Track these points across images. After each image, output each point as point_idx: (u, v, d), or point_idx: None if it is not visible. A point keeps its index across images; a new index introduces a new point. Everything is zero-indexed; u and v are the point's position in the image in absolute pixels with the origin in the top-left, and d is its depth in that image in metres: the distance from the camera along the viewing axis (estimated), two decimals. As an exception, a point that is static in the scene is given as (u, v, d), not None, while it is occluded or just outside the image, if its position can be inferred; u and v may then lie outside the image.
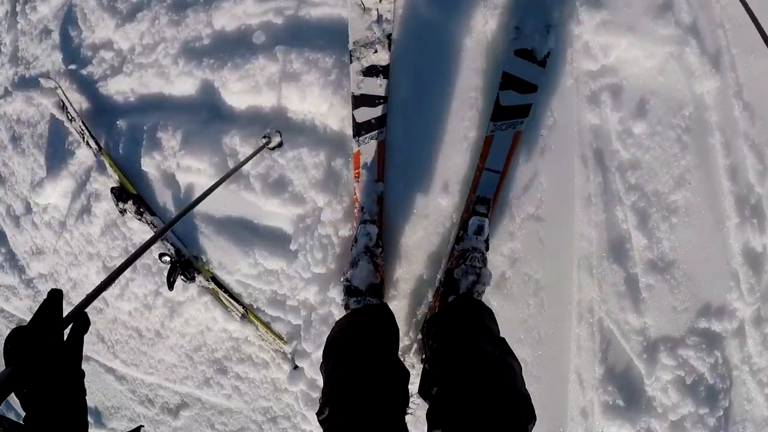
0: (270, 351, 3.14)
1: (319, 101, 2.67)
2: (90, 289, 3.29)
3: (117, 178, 3.28)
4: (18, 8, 3.92)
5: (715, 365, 2.47)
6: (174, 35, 3.11)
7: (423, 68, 2.55)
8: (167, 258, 3.05)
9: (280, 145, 2.69)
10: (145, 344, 3.70)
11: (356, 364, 1.79)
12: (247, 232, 3.00)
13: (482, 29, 2.48)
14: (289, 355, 3.04)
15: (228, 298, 3.07)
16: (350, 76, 2.45)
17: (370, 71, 2.42)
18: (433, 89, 2.54)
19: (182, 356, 3.53)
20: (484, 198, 2.33)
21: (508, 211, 2.54)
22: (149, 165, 3.18)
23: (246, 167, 2.84)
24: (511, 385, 1.63)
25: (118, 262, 3.45)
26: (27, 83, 4.01)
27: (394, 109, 2.57)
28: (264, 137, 2.60)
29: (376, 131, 2.45)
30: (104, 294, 3.48)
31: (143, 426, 1.23)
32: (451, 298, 2.18)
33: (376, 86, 2.44)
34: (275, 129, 2.67)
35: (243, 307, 3.07)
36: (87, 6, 3.54)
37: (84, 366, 3.39)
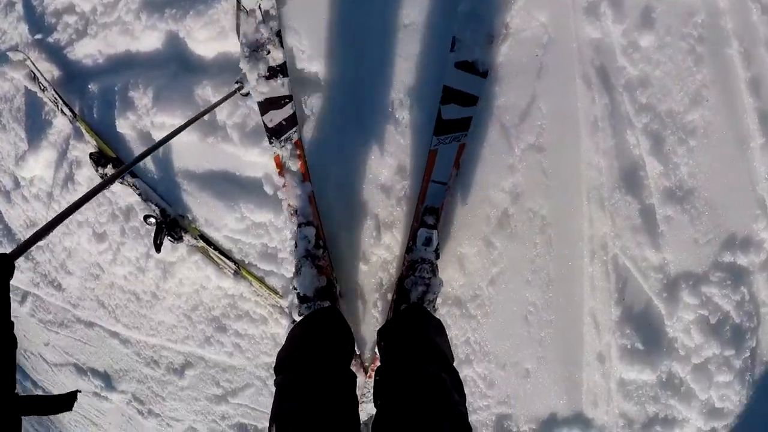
0: (267, 306, 3.10)
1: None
2: (84, 256, 3.32)
3: (95, 143, 3.18)
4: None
5: (741, 302, 2.27)
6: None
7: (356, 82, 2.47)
8: (152, 220, 2.98)
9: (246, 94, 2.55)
10: (144, 307, 3.67)
11: (301, 378, 1.77)
12: (230, 186, 2.91)
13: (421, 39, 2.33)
14: (286, 309, 2.99)
15: (218, 255, 3.01)
16: (250, 86, 2.36)
17: (269, 73, 2.34)
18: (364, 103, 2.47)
19: (180, 316, 3.51)
20: (432, 208, 2.29)
21: (505, 141, 2.35)
22: (124, 126, 3.08)
23: (222, 118, 2.74)
24: (446, 401, 1.65)
25: (108, 228, 3.40)
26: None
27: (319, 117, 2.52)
28: (237, 82, 2.44)
29: (290, 131, 2.42)
30: (98, 260, 3.48)
31: (79, 391, 1.27)
32: (402, 306, 2.17)
33: (279, 87, 2.37)
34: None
35: (234, 264, 3.00)
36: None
37: (89, 331, 3.43)
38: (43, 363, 5.25)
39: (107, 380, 4.47)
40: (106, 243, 3.53)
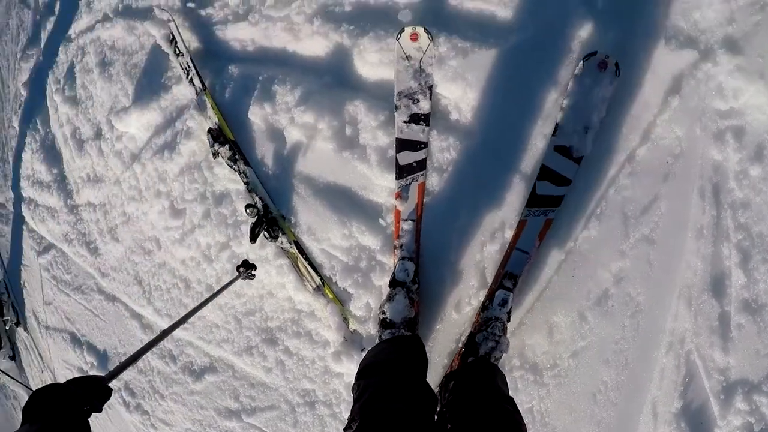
0: (333, 330, 2.92)
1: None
2: (145, 228, 3.15)
3: (216, 120, 3.10)
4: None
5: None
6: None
7: (478, 144, 2.53)
8: (254, 210, 2.86)
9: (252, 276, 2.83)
10: (190, 297, 3.46)
11: (387, 385, 1.86)
12: (349, 202, 2.82)
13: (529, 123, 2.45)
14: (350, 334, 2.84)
15: (308, 266, 2.87)
16: (395, 122, 2.54)
17: (413, 119, 2.53)
18: (484, 162, 2.53)
19: (229, 317, 3.30)
20: (512, 274, 2.36)
21: (623, 228, 2.39)
22: (257, 115, 3.02)
23: (366, 137, 2.72)
24: None
25: (191, 207, 3.26)
26: (132, 13, 3.85)
27: (440, 164, 2.59)
28: (239, 269, 2.77)
29: (417, 173, 2.55)
30: (161, 236, 3.32)
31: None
32: (470, 359, 2.23)
33: (418, 132, 2.54)
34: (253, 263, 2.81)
35: (321, 279, 2.86)
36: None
37: (107, 305, 3.30)
38: (33, 320, 4.88)
39: (103, 360, 4.16)
40: (180, 220, 3.36)
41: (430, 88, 2.53)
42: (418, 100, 2.54)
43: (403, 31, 2.48)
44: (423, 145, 2.55)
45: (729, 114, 2.22)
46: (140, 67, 3.70)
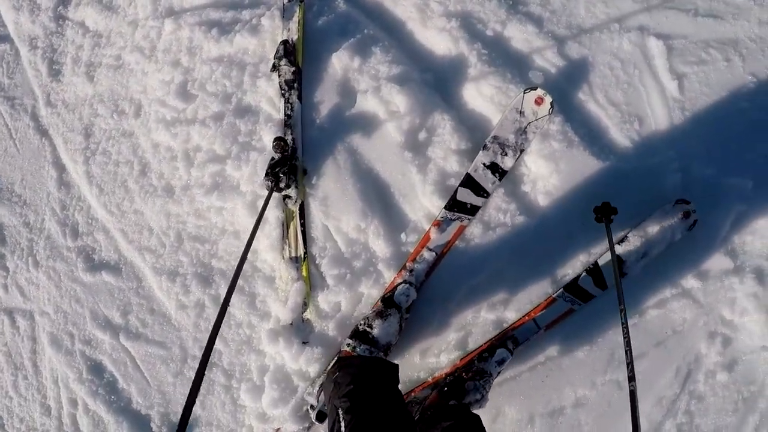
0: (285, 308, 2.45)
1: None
2: (133, 84, 2.76)
3: (296, 37, 2.63)
4: None
5: None
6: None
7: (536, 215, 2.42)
8: (282, 146, 2.38)
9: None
10: (138, 185, 2.88)
11: (380, 415, 1.73)
12: (381, 199, 2.47)
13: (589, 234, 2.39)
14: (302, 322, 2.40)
15: (300, 233, 2.42)
16: (475, 158, 2.38)
17: (491, 167, 2.39)
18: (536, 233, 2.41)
19: (171, 231, 2.73)
20: (516, 339, 2.30)
21: (604, 365, 2.31)
22: (341, 61, 2.62)
23: (435, 153, 2.45)
24: None
25: (205, 97, 2.71)
26: None
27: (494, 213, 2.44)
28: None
29: (466, 215, 2.38)
30: (147, 104, 2.86)
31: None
32: (452, 402, 2.13)
33: (489, 182, 2.39)
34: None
35: (305, 252, 2.41)
36: None
37: (35, 139, 3.52)
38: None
39: None
40: (184, 104, 2.83)
41: (522, 151, 2.40)
42: (506, 154, 2.39)
43: (535, 89, 2.34)
44: (486, 194, 2.39)
45: (729, 323, 2.28)
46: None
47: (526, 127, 2.38)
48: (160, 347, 2.65)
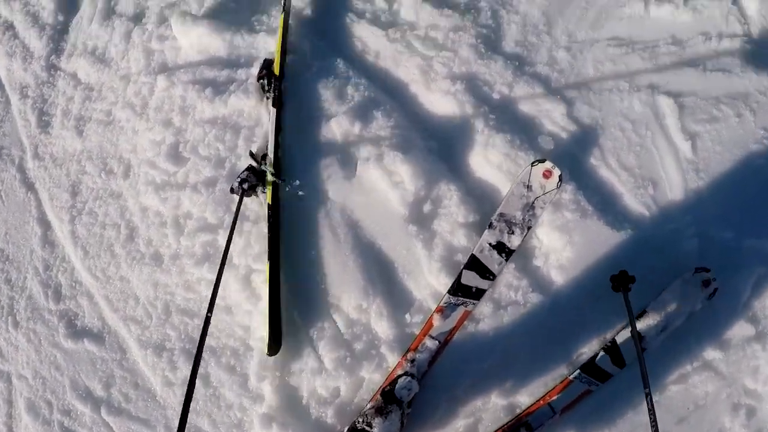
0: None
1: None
2: (123, 142, 2.64)
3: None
4: None
5: None
6: (467, 58, 2.56)
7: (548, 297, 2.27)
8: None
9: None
10: (125, 250, 2.71)
11: None
12: (384, 277, 2.31)
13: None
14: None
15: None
16: (480, 238, 2.24)
17: (499, 247, 2.24)
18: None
19: (158, 302, 2.57)
20: (530, 425, 2.15)
21: None
22: (341, 126, 2.49)
23: (443, 225, 2.29)
24: None
25: (197, 161, 2.55)
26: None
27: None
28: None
29: (471, 300, 2.21)
30: (136, 164, 2.80)
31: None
32: None
33: (496, 263, 2.23)
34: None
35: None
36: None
37: (21, 192, 3.23)
38: None
39: None
40: (175, 168, 2.66)
41: (530, 228, 2.25)
42: (513, 233, 2.24)
43: (543, 162, 2.23)
44: (492, 276, 2.22)
45: (752, 393, 2.18)
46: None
47: (533, 203, 2.24)
48: (143, 425, 2.45)
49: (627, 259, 2.20)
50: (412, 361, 2.14)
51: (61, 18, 3.46)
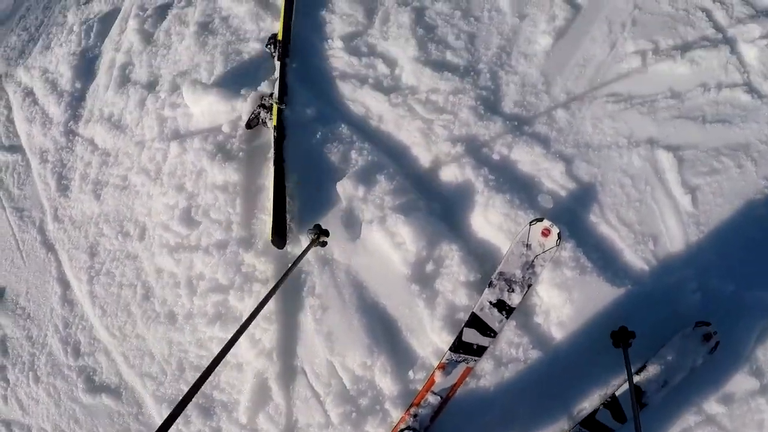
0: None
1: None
2: (138, 206, 2.74)
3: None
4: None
5: None
6: (467, 120, 2.70)
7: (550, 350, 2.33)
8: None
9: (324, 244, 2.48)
10: (141, 309, 2.82)
11: None
12: (387, 335, 2.41)
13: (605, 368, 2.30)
14: None
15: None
16: (481, 297, 2.31)
17: (499, 305, 2.32)
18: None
19: (173, 359, 2.68)
20: None
21: None
22: (345, 189, 2.61)
23: (445, 284, 2.39)
24: None
25: (209, 225, 2.70)
26: (267, 3, 3.40)
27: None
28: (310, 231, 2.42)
29: (473, 357, 2.29)
30: (151, 228, 2.92)
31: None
32: None
33: (496, 320, 2.31)
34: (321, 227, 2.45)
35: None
36: (396, 16, 3.08)
37: (41, 252, 3.35)
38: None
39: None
40: (188, 231, 2.82)
41: (530, 286, 2.33)
42: (513, 291, 2.32)
43: (541, 221, 2.32)
44: (493, 334, 2.30)
45: None
46: (243, 59, 3.20)
47: (533, 261, 2.33)
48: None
49: (627, 314, 2.24)
50: (415, 416, 2.21)
51: (78, 85, 3.67)
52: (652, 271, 2.35)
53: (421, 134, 2.68)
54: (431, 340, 2.36)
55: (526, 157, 2.62)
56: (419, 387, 2.30)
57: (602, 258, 2.39)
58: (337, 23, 3.15)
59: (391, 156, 2.69)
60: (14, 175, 3.60)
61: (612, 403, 2.17)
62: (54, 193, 3.38)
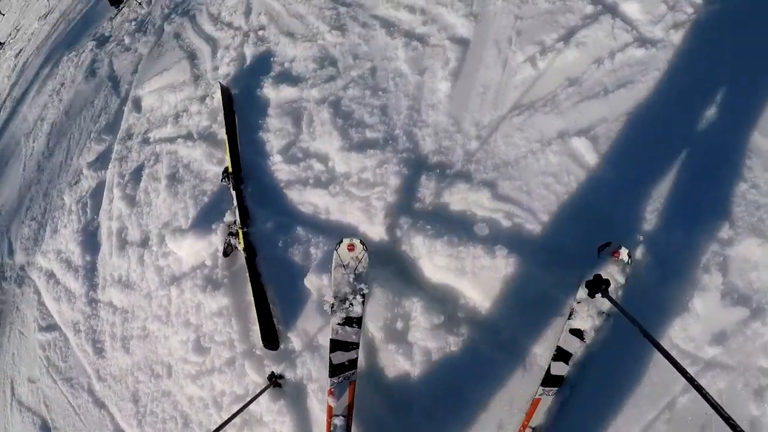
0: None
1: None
2: (160, 349, 3.01)
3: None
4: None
5: None
6: (396, 185, 3.05)
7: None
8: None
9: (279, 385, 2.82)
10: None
11: None
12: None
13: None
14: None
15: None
16: (330, 325, 2.66)
17: (346, 321, 2.68)
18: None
19: None
20: None
21: None
22: (312, 283, 2.99)
23: (416, 335, 2.65)
24: None
25: (216, 348, 3.13)
26: (215, 142, 3.96)
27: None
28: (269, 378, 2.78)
29: (349, 372, 2.58)
30: (174, 364, 3.25)
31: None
32: None
33: (351, 334, 2.66)
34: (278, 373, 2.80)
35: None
36: (318, 116, 3.56)
37: (93, 409, 3.86)
38: (8, 390, 4.52)
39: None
40: (202, 358, 3.22)
41: (364, 294, 2.70)
42: (352, 304, 2.68)
43: (341, 242, 2.76)
44: (354, 346, 2.62)
45: None
46: (208, 196, 3.73)
47: (356, 274, 2.73)
48: None
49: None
50: None
51: (88, 258, 4.28)
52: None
53: (362, 212, 3.06)
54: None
55: (454, 198, 2.85)
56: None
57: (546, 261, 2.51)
58: (274, 139, 3.65)
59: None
60: (57, 351, 4.18)
61: (560, 353, 2.29)
62: (93, 357, 3.92)
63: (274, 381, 2.77)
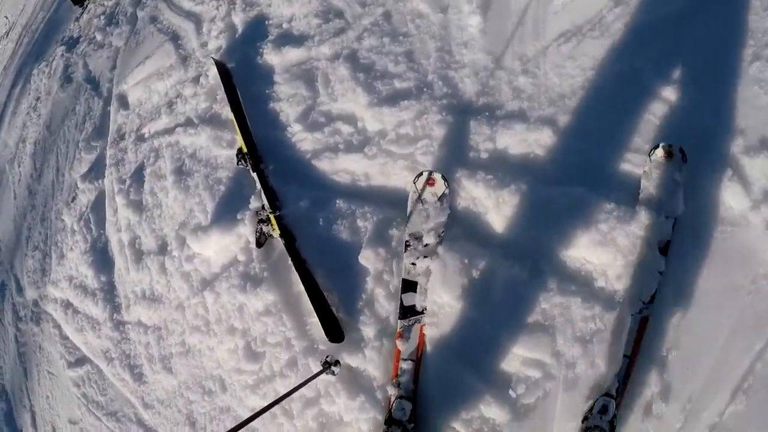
0: None
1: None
2: (207, 362, 2.66)
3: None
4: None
5: None
6: (442, 136, 2.68)
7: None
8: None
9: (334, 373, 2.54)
10: None
11: None
12: None
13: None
14: None
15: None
16: (402, 263, 2.51)
17: (419, 260, 2.50)
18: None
19: None
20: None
21: None
22: (369, 259, 2.65)
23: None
24: None
25: (272, 351, 2.81)
26: (221, 122, 3.56)
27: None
28: (324, 364, 2.50)
29: (419, 315, 2.46)
30: (227, 376, 3.02)
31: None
32: None
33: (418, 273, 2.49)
34: (335, 359, 2.52)
35: None
36: (334, 73, 3.15)
37: None
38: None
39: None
40: (257, 365, 2.89)
41: (441, 234, 2.51)
42: (426, 244, 2.50)
43: (421, 175, 2.56)
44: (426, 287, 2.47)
45: None
46: (225, 185, 3.35)
47: (432, 215, 2.52)
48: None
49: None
50: (398, 385, 2.37)
51: (103, 278, 3.92)
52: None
53: (409, 171, 2.72)
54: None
55: (511, 140, 2.59)
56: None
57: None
58: (288, 108, 3.26)
59: (393, 206, 2.73)
60: (92, 385, 3.86)
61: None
62: (133, 385, 3.60)
63: (328, 367, 2.48)
